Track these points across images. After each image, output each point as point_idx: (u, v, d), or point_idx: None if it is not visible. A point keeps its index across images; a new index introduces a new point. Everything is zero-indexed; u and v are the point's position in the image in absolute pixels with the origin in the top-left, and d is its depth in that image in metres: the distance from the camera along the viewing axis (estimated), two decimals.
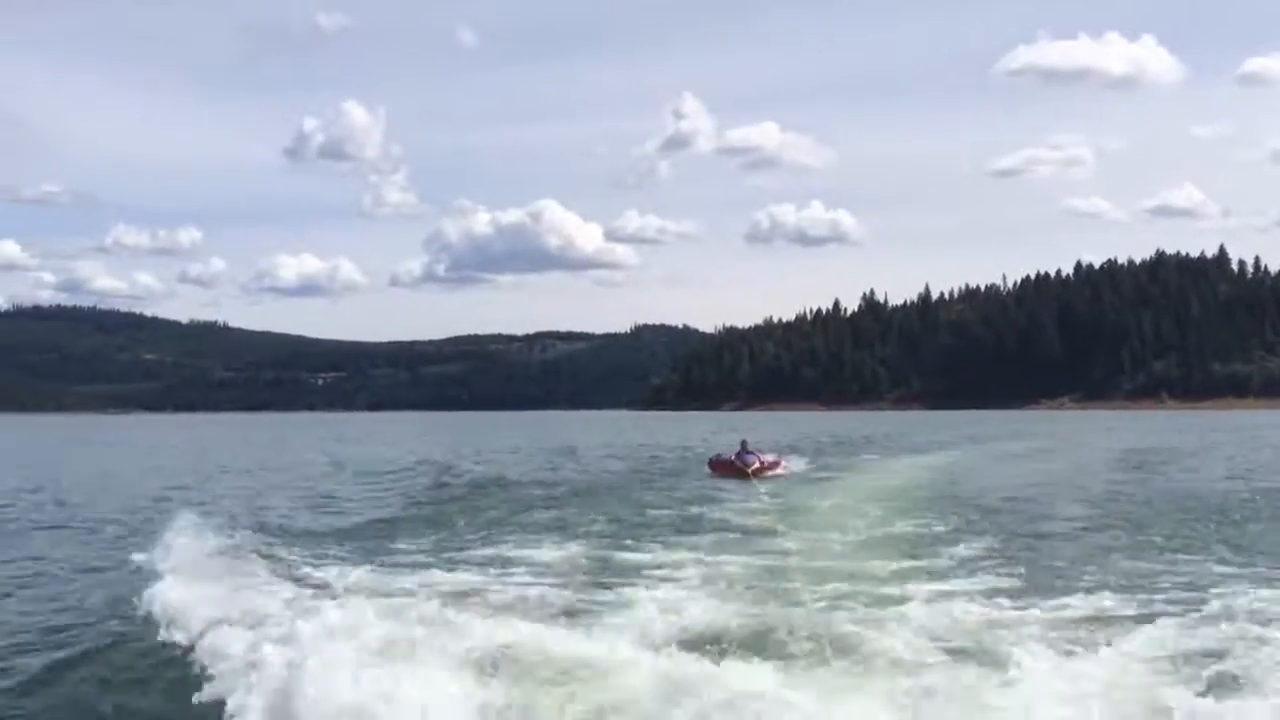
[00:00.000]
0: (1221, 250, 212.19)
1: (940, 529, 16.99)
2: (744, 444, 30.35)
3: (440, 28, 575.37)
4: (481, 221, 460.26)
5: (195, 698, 7.96)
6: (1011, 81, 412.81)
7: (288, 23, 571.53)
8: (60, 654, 9.65)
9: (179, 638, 9.31)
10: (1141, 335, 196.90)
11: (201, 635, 9.12)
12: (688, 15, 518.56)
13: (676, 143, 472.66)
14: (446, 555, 14.66)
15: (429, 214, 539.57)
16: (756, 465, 28.43)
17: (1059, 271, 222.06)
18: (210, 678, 8.16)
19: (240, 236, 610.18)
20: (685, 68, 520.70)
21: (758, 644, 8.70)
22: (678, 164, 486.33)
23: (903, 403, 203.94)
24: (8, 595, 12.93)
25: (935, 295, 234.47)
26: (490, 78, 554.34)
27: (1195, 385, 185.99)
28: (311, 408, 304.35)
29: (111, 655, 9.44)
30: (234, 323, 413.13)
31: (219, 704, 7.63)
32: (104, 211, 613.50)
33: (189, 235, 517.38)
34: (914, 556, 14.08)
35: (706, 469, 30.59)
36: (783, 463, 31.11)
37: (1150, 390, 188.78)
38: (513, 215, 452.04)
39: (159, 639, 9.50)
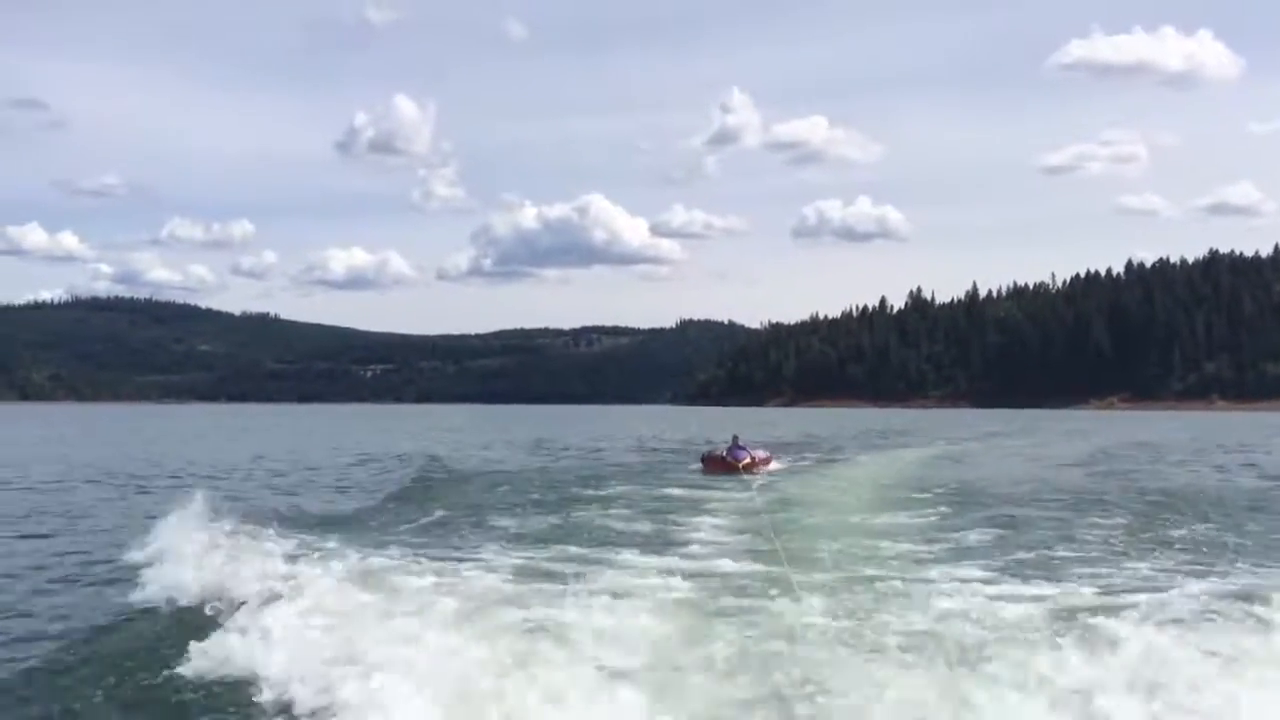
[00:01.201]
0: (1276, 250, 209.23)
1: (923, 514, 18.80)
2: (735, 439, 30.65)
3: (489, 21, 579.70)
4: (528, 216, 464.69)
5: (194, 679, 8.14)
6: (1063, 76, 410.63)
7: (339, 18, 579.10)
8: (60, 638, 10.02)
9: (181, 618, 9.78)
10: (1193, 335, 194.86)
11: (203, 617, 9.62)
12: (735, 9, 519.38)
13: (723, 137, 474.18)
14: (455, 538, 15.62)
15: (476, 208, 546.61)
16: (747, 460, 28.77)
17: (1109, 270, 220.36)
18: (209, 659, 8.39)
19: (291, 230, 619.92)
20: (732, 62, 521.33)
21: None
22: (724, 159, 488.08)
23: (949, 400, 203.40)
24: (14, 577, 13.47)
25: (983, 293, 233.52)
26: (538, 72, 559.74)
27: (1247, 386, 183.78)
28: (360, 399, 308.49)
29: (111, 637, 9.74)
30: (285, 315, 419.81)
31: (221, 685, 7.90)
32: (160, 204, 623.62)
33: (241, 228, 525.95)
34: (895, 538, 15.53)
35: (698, 464, 30.75)
36: (773, 459, 31.51)
37: (1201, 391, 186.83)
38: (559, 209, 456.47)
39: (161, 620, 9.96)
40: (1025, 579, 11.57)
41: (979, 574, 11.98)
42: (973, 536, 15.48)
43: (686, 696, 7.21)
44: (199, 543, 12.65)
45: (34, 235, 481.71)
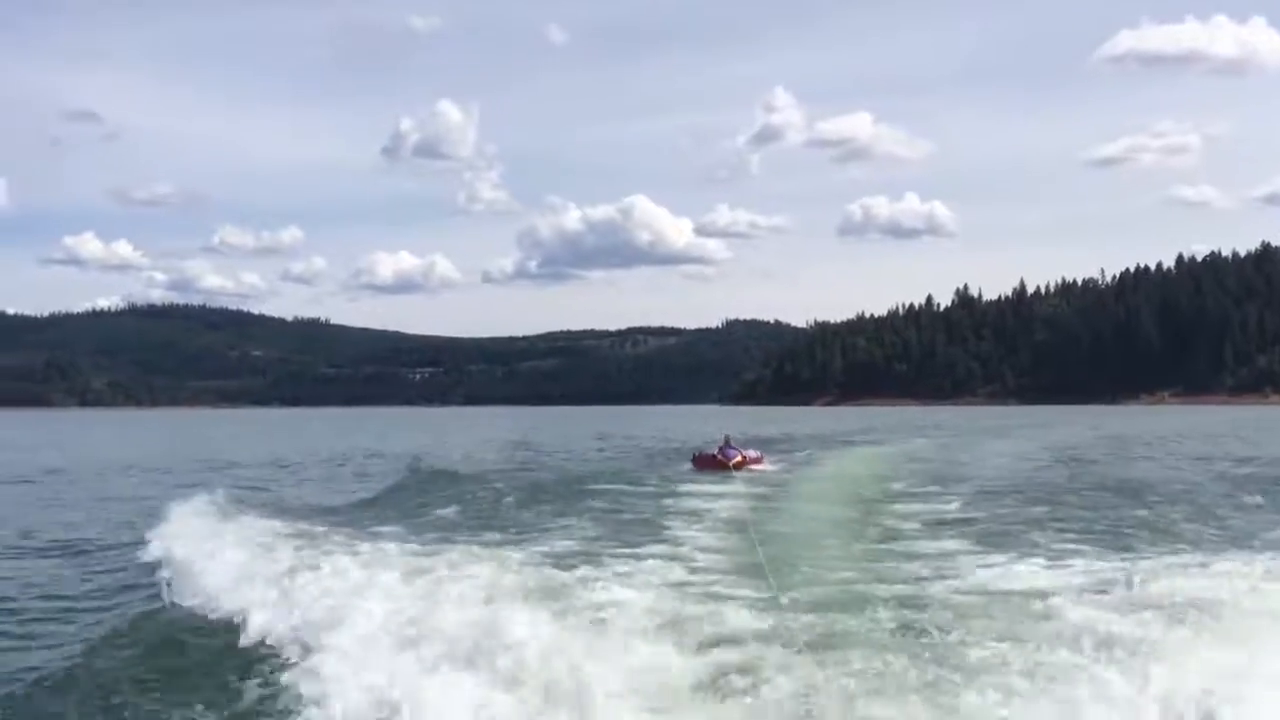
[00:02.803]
0: None
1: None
2: (727, 439, 31.63)
3: (530, 26, 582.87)
4: (573, 218, 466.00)
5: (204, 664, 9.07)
6: (1113, 68, 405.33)
7: (383, 26, 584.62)
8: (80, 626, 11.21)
9: (192, 607, 10.87)
10: (1245, 329, 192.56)
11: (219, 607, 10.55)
12: (777, 7, 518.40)
13: (767, 136, 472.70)
14: (466, 529, 17.26)
15: (521, 211, 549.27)
16: (738, 459, 29.61)
17: (1159, 264, 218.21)
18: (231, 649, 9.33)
19: (340, 235, 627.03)
20: (775, 60, 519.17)
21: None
22: (768, 157, 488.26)
23: (997, 398, 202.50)
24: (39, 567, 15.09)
25: (1031, 289, 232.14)
26: (580, 74, 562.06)
27: None
28: (409, 402, 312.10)
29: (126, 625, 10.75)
30: (335, 319, 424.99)
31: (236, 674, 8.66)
32: (211, 212, 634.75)
33: (291, 235, 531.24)
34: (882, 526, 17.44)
35: (689, 464, 31.45)
36: (764, 459, 32.09)
37: (1254, 385, 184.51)
38: (603, 211, 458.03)
39: (174, 607, 11.14)
40: (988, 560, 13.09)
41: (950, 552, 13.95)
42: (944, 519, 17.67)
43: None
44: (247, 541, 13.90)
45: (90, 245, 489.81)
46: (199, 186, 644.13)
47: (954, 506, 19.60)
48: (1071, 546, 14.17)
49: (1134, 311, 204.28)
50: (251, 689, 8.34)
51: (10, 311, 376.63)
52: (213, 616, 10.46)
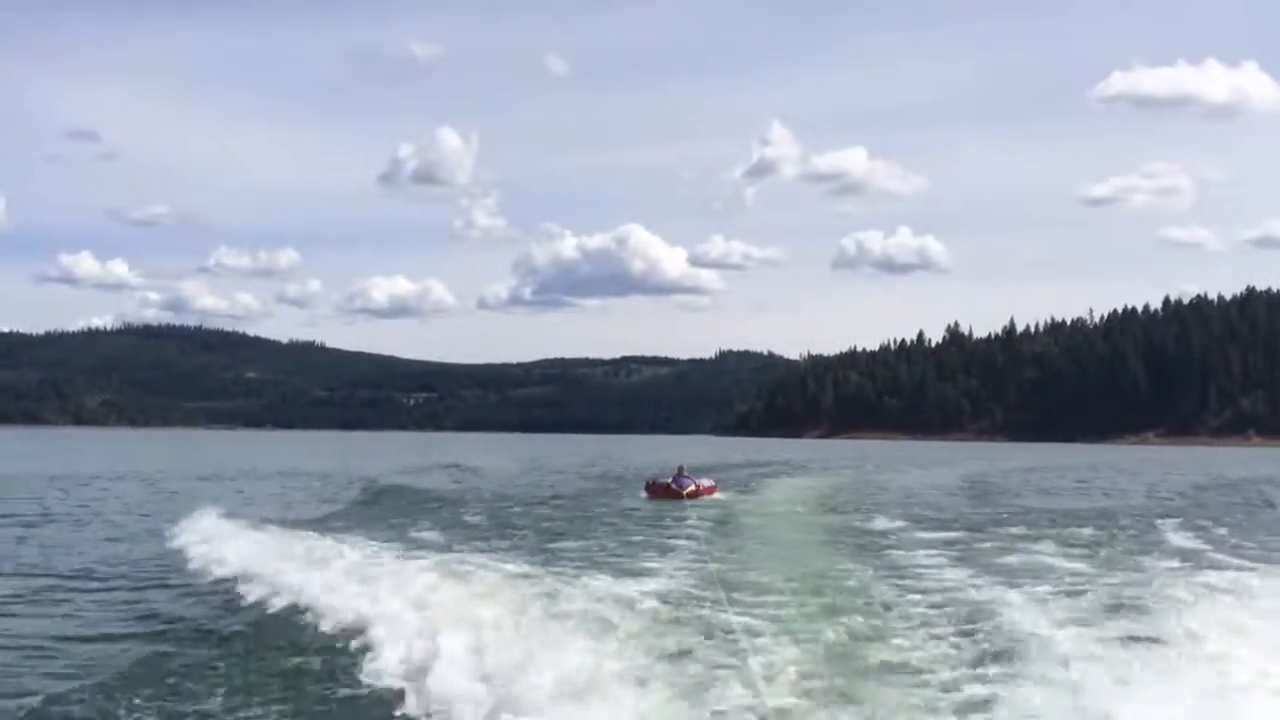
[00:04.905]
0: None
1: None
2: (680, 469, 32.52)
3: (530, 55, 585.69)
4: (568, 245, 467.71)
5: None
6: (1106, 108, 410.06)
7: (384, 52, 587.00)
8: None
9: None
10: (1229, 372, 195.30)
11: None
12: (776, 41, 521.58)
13: (763, 169, 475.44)
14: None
15: (517, 238, 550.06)
16: (691, 489, 30.64)
17: (1146, 306, 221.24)
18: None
19: (336, 258, 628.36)
20: (773, 94, 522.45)
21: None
22: (764, 190, 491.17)
23: (985, 434, 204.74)
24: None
25: (1020, 328, 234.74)
26: (579, 104, 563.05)
27: None
28: (402, 427, 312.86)
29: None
30: (330, 343, 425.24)
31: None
32: (207, 233, 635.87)
33: (287, 257, 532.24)
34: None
35: (643, 492, 32.23)
36: (717, 488, 33.09)
37: (1238, 427, 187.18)
38: (599, 239, 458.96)
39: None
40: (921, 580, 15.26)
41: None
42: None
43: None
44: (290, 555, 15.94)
45: (86, 263, 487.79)
46: (196, 207, 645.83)
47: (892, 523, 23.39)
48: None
49: (1120, 352, 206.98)
50: (310, 677, 9.88)
51: (5, 329, 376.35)
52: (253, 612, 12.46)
